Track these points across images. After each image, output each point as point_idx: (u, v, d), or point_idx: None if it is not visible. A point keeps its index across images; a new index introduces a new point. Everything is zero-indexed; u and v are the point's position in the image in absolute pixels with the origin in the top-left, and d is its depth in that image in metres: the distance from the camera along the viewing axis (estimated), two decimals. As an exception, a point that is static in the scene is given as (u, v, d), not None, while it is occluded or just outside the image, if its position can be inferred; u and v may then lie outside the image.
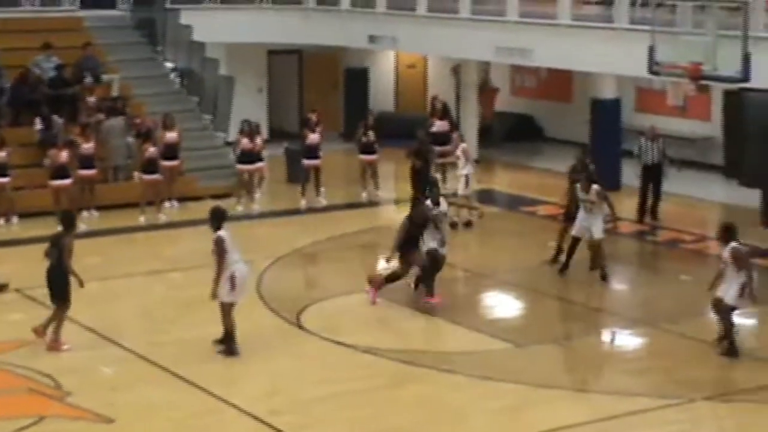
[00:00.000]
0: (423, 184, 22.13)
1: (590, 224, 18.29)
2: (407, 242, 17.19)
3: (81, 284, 15.56)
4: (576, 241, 18.47)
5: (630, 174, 22.90)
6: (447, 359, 15.26)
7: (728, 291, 15.07)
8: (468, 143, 28.20)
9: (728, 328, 15.16)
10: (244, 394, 14.11)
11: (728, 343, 15.11)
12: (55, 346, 15.47)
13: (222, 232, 15.14)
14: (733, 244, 15.12)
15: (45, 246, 15.58)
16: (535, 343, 15.87)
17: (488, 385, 14.52)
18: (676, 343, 15.81)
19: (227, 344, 15.26)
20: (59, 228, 15.76)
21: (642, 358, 16.05)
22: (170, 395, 14.13)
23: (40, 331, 15.60)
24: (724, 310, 15.13)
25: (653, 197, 22.57)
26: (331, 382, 14.52)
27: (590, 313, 17.43)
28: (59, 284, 15.47)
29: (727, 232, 15.27)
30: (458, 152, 22.15)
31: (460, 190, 21.91)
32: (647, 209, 22.41)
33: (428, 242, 17.31)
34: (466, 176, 21.91)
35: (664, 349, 15.77)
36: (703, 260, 20.54)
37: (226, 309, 15.21)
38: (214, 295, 15.08)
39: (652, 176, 22.43)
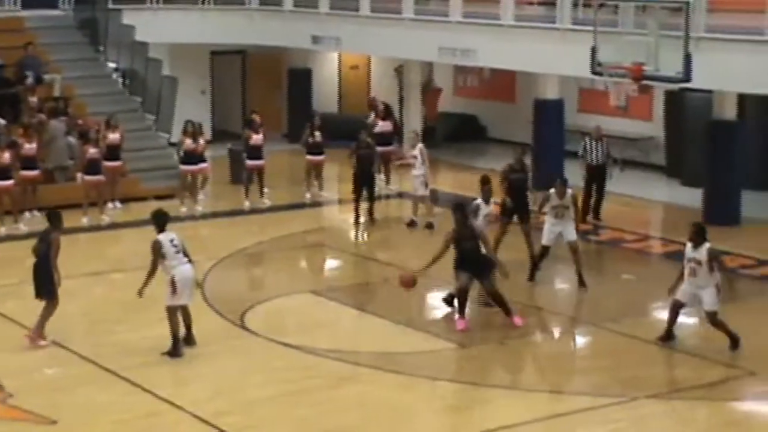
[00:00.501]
0: (362, 185, 22.24)
1: (564, 229, 18.03)
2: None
3: (59, 282, 15.57)
4: (546, 249, 18.21)
5: (575, 174, 22.95)
6: (391, 359, 15.26)
7: (705, 296, 14.98)
8: (412, 144, 28.40)
9: (727, 330, 15.10)
10: (189, 396, 14.04)
11: (731, 341, 15.16)
12: (34, 338, 15.56)
13: (162, 236, 15.13)
14: (708, 244, 15.06)
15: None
16: (479, 343, 15.92)
17: (432, 384, 14.55)
18: (618, 342, 15.91)
19: (172, 347, 15.19)
20: (47, 225, 15.83)
21: (585, 357, 16.17)
22: (114, 397, 14.04)
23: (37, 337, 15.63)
24: (716, 321, 15.08)
25: (596, 197, 22.68)
26: (275, 382, 14.49)
27: (534, 313, 17.51)
28: (44, 279, 15.56)
29: (701, 233, 15.16)
30: (415, 152, 22.10)
31: (419, 191, 21.95)
32: (590, 209, 22.54)
33: None
34: (424, 176, 21.93)
35: (607, 348, 15.88)
36: (645, 259, 20.75)
37: (170, 312, 15.14)
38: (140, 293, 15.09)
39: (596, 176, 22.55)
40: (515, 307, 16.43)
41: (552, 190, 18.22)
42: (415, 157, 22.04)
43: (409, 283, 16.47)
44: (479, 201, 17.81)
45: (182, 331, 15.36)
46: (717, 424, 13.27)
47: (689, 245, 15.21)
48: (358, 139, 22.70)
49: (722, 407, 13.65)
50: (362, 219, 22.37)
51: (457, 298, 16.34)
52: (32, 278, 15.73)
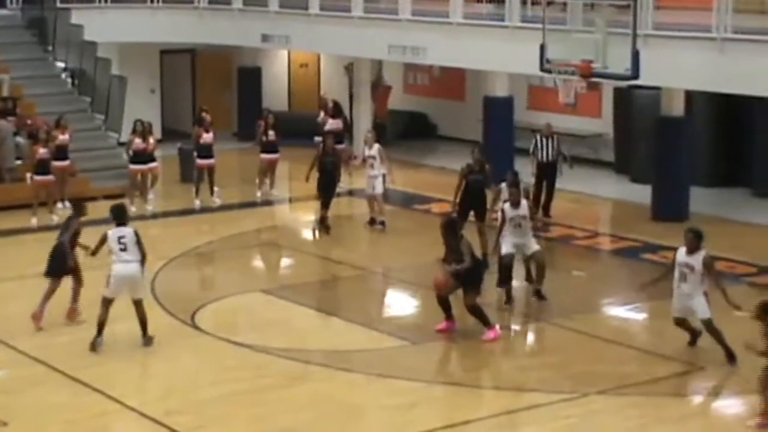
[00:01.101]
0: (326, 192, 21.93)
1: (524, 241, 17.33)
2: None
3: (92, 253, 16.15)
4: (511, 259, 17.43)
5: (525, 171, 22.95)
6: (343, 357, 15.27)
7: (696, 305, 14.64)
8: (362, 141, 28.40)
9: (723, 341, 14.77)
10: (140, 395, 14.00)
11: (727, 353, 14.77)
12: (73, 315, 16.46)
13: (112, 231, 15.46)
14: (704, 252, 14.73)
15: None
16: (431, 340, 15.95)
17: (384, 382, 14.56)
18: (569, 339, 16.00)
19: (94, 337, 15.38)
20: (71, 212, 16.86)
21: (536, 353, 16.23)
22: (65, 398, 13.95)
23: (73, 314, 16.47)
24: (712, 328, 14.75)
25: (547, 194, 22.76)
26: (226, 381, 14.45)
27: (484, 310, 17.54)
28: (58, 260, 16.29)
29: (698, 240, 14.77)
30: (372, 152, 21.87)
31: (376, 189, 21.71)
32: (540, 206, 22.62)
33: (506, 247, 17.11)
34: (383, 176, 21.81)
35: (558, 345, 15.96)
36: (595, 256, 20.87)
37: (102, 302, 15.47)
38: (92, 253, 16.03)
39: (546, 173, 22.64)
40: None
41: (503, 184, 18.26)
42: (373, 157, 21.88)
43: (444, 284, 15.83)
44: (503, 185, 18.06)
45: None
46: (668, 418, 13.36)
47: (683, 250, 14.79)
48: (323, 145, 22.28)
49: (672, 402, 13.75)
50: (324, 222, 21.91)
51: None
52: (47, 258, 16.38)
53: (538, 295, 17.46)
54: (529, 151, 22.87)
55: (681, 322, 15.08)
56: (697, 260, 14.63)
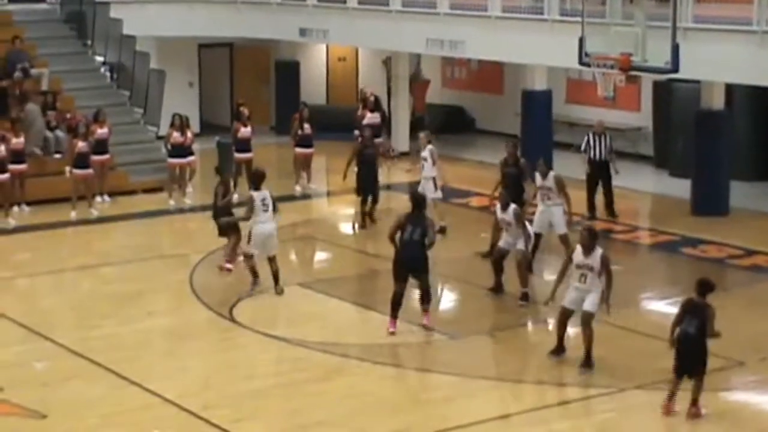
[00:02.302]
0: (366, 186, 21.71)
1: (552, 218, 18.12)
2: None
3: (236, 223, 18.09)
4: (537, 237, 18.06)
5: (577, 169, 22.63)
6: (380, 351, 15.27)
7: (588, 297, 14.53)
8: (400, 135, 28.42)
9: (589, 344, 14.66)
10: (178, 389, 14.02)
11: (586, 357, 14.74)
12: (231, 261, 18.09)
13: (256, 193, 17.22)
14: (601, 250, 14.51)
15: None
16: (470, 334, 15.93)
17: (422, 376, 14.58)
18: (609, 333, 15.85)
19: (251, 283, 17.65)
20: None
21: (573, 348, 16.09)
22: (103, 391, 14.03)
23: (230, 261, 18.08)
24: (588, 323, 14.63)
25: (606, 195, 22.25)
26: (263, 376, 14.50)
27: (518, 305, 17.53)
28: (222, 220, 18.23)
29: (593, 238, 14.54)
30: (425, 153, 21.10)
31: (429, 194, 20.58)
32: (595, 206, 22.16)
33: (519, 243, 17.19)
34: (434, 179, 21.05)
35: (597, 339, 15.79)
36: (634, 250, 20.77)
37: (245, 257, 17.54)
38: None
39: (599, 172, 22.17)
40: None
41: (536, 173, 18.29)
42: (425, 158, 21.28)
43: None
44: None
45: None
46: (707, 413, 13.27)
47: (579, 250, 14.59)
48: (362, 137, 22.27)
49: (710, 397, 13.65)
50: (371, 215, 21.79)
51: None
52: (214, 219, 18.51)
53: (522, 297, 17.21)
54: (581, 149, 22.50)
55: (567, 316, 14.81)
56: (594, 259, 14.45)
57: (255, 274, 17.60)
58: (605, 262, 14.45)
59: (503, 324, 16.31)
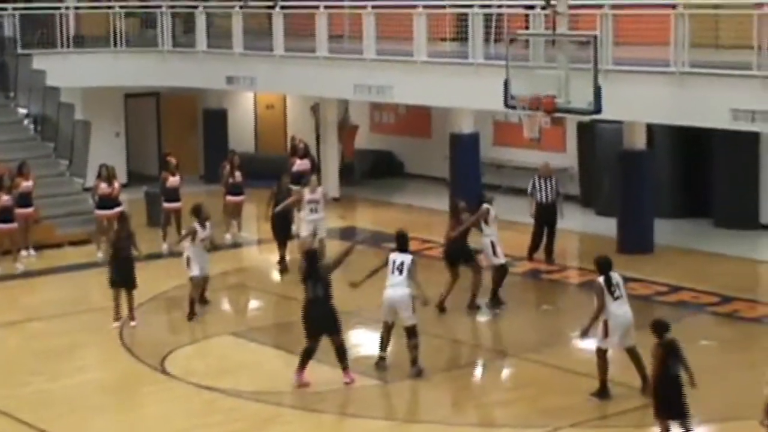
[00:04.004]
0: (281, 229, 21.99)
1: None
2: None
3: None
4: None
5: (523, 212, 22.69)
6: (314, 399, 15.24)
7: (402, 304, 15.95)
8: (330, 181, 28.47)
9: (415, 344, 16.00)
10: (110, 444, 13.91)
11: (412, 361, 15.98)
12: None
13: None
14: (411, 256, 16.04)
15: None
16: (403, 379, 15.94)
17: (356, 422, 14.54)
18: (540, 373, 16.03)
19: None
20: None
21: (507, 389, 16.24)
22: (33, 449, 13.86)
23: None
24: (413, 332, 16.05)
25: (548, 237, 22.24)
26: (198, 427, 14.40)
27: (455, 347, 17.58)
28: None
29: (405, 240, 16.20)
30: (317, 195, 21.54)
31: (322, 233, 21.48)
32: (539, 248, 22.23)
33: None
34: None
35: (529, 379, 15.98)
36: (563, 290, 20.93)
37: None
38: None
39: (546, 215, 22.15)
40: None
41: (485, 205, 18.87)
42: (317, 201, 21.39)
43: None
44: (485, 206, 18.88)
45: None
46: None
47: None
48: (279, 183, 22.46)
49: (643, 434, 13.80)
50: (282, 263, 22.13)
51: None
52: None
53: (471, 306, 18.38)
54: (527, 192, 22.53)
55: (389, 328, 16.00)
56: (406, 258, 15.77)
57: (195, 305, 18.62)
58: (414, 262, 15.69)
59: (436, 367, 16.32)
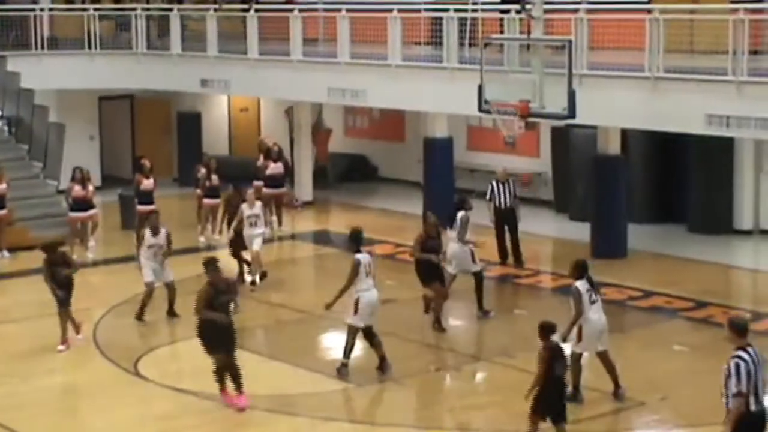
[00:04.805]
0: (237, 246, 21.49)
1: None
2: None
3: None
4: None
5: (482, 216, 22.67)
6: (287, 402, 15.24)
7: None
8: (303, 185, 28.47)
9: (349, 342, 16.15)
10: (82, 447, 13.87)
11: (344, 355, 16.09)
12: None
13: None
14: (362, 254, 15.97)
15: None
16: (375, 382, 15.95)
17: (330, 426, 14.54)
18: (512, 377, 16.04)
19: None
20: None
21: (480, 393, 16.27)
22: (4, 451, 13.82)
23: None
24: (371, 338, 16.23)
25: (512, 241, 22.36)
26: (171, 430, 14.37)
27: (427, 351, 17.60)
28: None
29: (357, 241, 16.11)
30: (256, 210, 20.99)
31: (258, 246, 20.94)
32: (507, 253, 22.34)
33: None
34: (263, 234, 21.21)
35: (502, 383, 16.01)
36: (536, 294, 20.98)
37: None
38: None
39: (506, 219, 22.26)
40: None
41: (461, 213, 18.68)
42: (257, 215, 20.88)
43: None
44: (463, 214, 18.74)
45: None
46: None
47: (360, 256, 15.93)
48: (235, 189, 22.11)
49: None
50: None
51: None
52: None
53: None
54: (486, 197, 22.53)
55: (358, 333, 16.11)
56: (372, 259, 16.02)
57: (145, 309, 18.68)
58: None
59: (409, 371, 16.34)
